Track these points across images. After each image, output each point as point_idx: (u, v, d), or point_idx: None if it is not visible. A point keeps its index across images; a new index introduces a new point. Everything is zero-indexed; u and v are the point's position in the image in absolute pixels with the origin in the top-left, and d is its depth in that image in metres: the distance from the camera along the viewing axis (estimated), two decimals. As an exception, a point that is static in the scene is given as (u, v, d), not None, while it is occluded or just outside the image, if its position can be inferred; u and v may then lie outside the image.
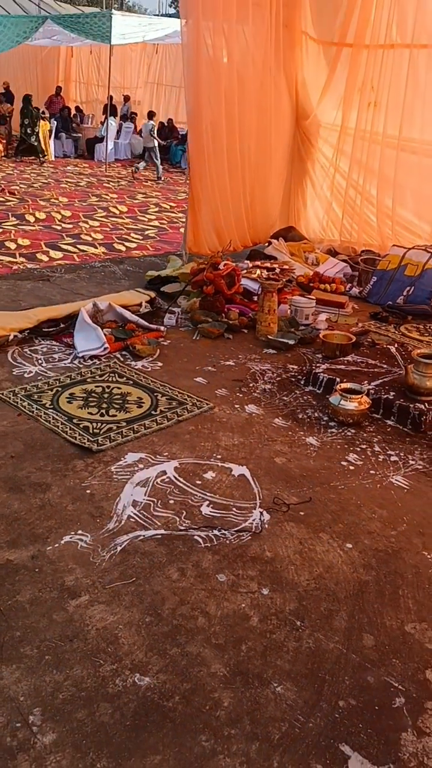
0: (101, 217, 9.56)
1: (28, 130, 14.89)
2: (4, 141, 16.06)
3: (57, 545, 2.55)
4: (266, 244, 6.90)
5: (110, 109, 15.82)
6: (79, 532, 2.64)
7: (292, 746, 1.83)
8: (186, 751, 1.80)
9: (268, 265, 5.70)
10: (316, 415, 3.83)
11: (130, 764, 1.75)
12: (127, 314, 4.77)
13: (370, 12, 6.43)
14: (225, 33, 6.15)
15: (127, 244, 8.01)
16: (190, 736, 1.84)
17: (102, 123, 16.85)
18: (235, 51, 6.31)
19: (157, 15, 20.42)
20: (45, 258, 7.02)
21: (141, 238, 8.42)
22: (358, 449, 3.49)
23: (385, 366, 4.36)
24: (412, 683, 2.07)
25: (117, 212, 10.05)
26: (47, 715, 1.87)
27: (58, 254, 7.22)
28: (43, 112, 16.00)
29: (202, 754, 1.80)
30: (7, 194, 10.68)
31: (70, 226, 8.76)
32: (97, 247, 7.69)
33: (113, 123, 16.35)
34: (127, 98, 18.85)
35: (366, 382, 4.04)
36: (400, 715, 1.96)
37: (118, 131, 17.21)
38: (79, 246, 7.67)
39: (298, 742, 1.85)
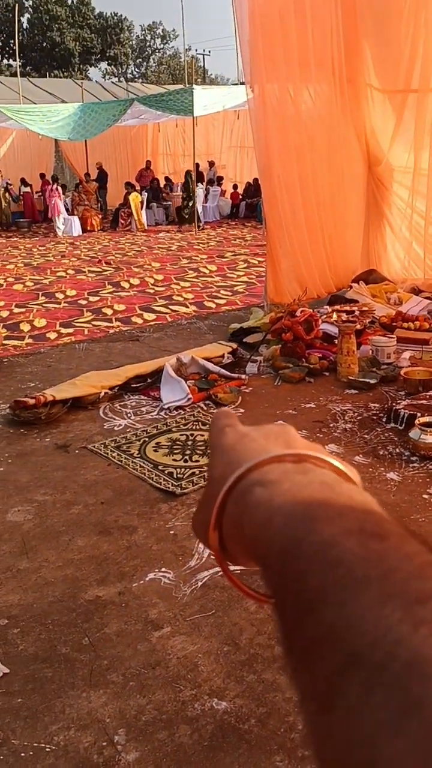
0: (192, 277, 9.96)
1: (187, 203, 16.15)
2: (100, 216, 17.14)
3: (142, 582, 2.72)
4: (348, 288, 7.02)
5: (196, 176, 16.61)
6: (163, 569, 2.80)
7: (365, 767, 1.88)
8: (260, 770, 1.88)
9: (348, 308, 5.80)
10: (397, 450, 3.86)
11: (206, 781, 1.85)
12: (210, 365, 4.99)
13: (433, 56, 6.57)
14: (291, 94, 6.46)
15: (216, 300, 8.30)
16: (264, 756, 1.93)
17: (190, 190, 17.72)
18: (301, 110, 6.59)
19: (236, 84, 21.36)
20: (139, 320, 7.37)
21: (230, 294, 8.71)
22: (440, 481, 3.48)
23: (468, 398, 4.33)
24: None
25: (207, 272, 10.44)
26: (131, 735, 2.00)
27: (152, 316, 7.56)
28: (133, 185, 17.04)
29: (275, 773, 1.87)
30: (104, 264, 11.36)
31: (163, 288, 9.18)
32: (188, 306, 7.99)
33: (200, 189, 17.13)
34: (212, 163, 19.74)
35: (448, 415, 4.03)
36: None
37: (206, 195, 17.99)
38: (171, 306, 8.03)
39: (370, 763, 1.88)
